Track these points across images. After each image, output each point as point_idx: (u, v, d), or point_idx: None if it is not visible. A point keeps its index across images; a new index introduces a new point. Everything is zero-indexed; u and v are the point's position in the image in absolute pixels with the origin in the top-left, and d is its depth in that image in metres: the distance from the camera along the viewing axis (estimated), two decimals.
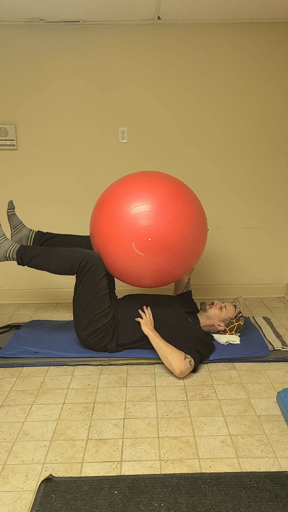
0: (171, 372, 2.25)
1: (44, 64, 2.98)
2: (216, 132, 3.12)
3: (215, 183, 3.21)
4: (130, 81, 3.01)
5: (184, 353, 2.20)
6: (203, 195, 3.22)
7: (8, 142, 3.09)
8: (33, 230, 2.65)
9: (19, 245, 2.41)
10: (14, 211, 2.63)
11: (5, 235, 2.43)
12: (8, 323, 2.92)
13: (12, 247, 2.39)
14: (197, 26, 2.93)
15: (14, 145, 3.09)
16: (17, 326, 2.82)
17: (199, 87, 3.03)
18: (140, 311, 2.40)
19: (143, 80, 3.01)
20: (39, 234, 2.64)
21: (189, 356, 2.20)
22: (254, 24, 2.93)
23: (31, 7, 2.61)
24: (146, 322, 2.35)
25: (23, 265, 2.39)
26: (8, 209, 2.61)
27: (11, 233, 2.62)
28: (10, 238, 2.57)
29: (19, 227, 2.62)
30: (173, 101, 3.05)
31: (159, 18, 2.81)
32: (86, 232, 3.17)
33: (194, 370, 2.25)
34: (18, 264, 2.39)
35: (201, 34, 2.94)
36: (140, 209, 2.21)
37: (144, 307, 2.42)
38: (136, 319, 2.38)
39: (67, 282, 3.32)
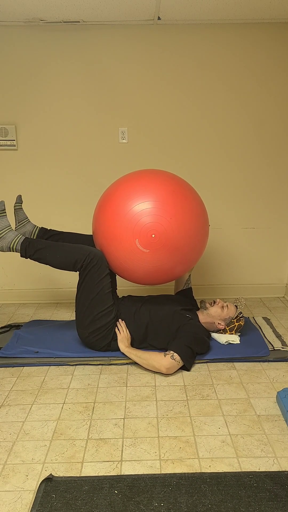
0: None
1: (44, 64, 2.98)
2: (216, 132, 3.12)
3: (215, 183, 3.21)
4: (130, 81, 3.02)
5: (163, 353, 2.23)
6: (204, 195, 3.23)
7: (8, 142, 3.09)
8: (37, 226, 2.67)
9: (23, 237, 2.42)
10: (21, 205, 2.65)
11: (10, 225, 2.44)
12: (8, 323, 2.93)
13: (16, 238, 2.40)
14: (197, 26, 2.93)
15: (14, 145, 3.09)
16: (17, 326, 2.82)
17: (199, 87, 3.04)
18: (116, 329, 2.40)
19: (143, 80, 3.02)
20: (43, 230, 2.65)
21: (171, 352, 2.22)
22: (254, 24, 2.93)
23: (31, 7, 2.61)
24: (123, 339, 2.37)
25: (26, 257, 2.40)
26: (16, 203, 2.63)
27: (15, 227, 2.63)
28: None
29: (23, 222, 2.64)
30: (173, 101, 3.05)
31: (159, 18, 2.81)
32: (86, 231, 3.19)
33: (188, 367, 2.25)
34: (21, 256, 2.39)
35: (201, 34, 2.94)
36: (143, 207, 2.24)
37: (118, 322, 2.41)
38: (116, 330, 2.40)
39: (68, 282, 3.33)
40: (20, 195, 2.65)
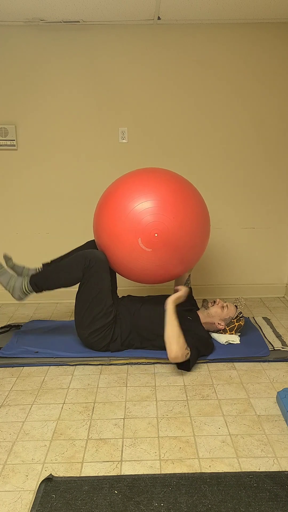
0: (171, 372, 2.26)
1: (44, 64, 2.98)
2: (216, 132, 3.12)
3: (215, 183, 3.21)
4: (130, 81, 3.01)
5: (186, 344, 2.21)
6: (204, 195, 3.23)
7: (8, 142, 3.09)
8: (38, 268, 2.59)
9: (28, 277, 2.42)
10: (12, 261, 2.57)
11: (12, 275, 2.43)
12: (8, 323, 2.93)
13: (24, 281, 2.41)
14: (197, 26, 2.93)
15: (14, 145, 3.09)
16: (17, 326, 2.82)
17: (199, 86, 3.04)
18: (179, 287, 2.38)
19: (143, 80, 3.02)
20: (45, 265, 2.61)
21: (189, 350, 2.21)
22: (254, 24, 2.93)
23: (31, 7, 2.61)
24: (179, 297, 2.33)
25: (41, 292, 2.41)
26: (6, 263, 2.55)
27: None
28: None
29: (24, 273, 2.58)
30: (173, 101, 3.05)
31: (159, 18, 2.81)
32: (86, 231, 3.19)
33: (189, 368, 2.25)
34: (37, 292, 2.41)
35: (201, 34, 2.94)
36: (145, 205, 2.24)
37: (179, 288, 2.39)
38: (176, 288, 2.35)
39: None
40: (6, 254, 2.54)
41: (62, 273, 2.36)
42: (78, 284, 2.38)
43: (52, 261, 2.63)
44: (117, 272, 2.48)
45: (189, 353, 2.20)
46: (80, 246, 2.65)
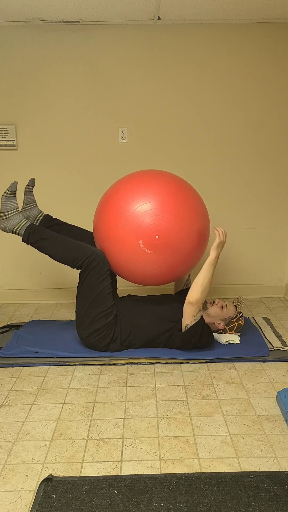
0: (171, 372, 2.26)
1: (44, 64, 2.98)
2: (216, 132, 3.12)
3: (215, 183, 3.21)
4: (130, 81, 3.02)
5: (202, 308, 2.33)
6: (203, 195, 3.23)
7: (8, 142, 3.09)
8: (43, 213, 2.66)
9: (29, 223, 2.43)
10: (32, 189, 2.63)
11: (17, 208, 2.44)
12: (8, 323, 2.93)
13: (22, 223, 2.41)
14: (197, 26, 2.93)
15: (14, 145, 3.09)
16: (17, 326, 2.82)
17: (199, 87, 3.04)
18: (215, 229, 2.33)
19: (143, 80, 3.02)
20: (48, 217, 2.65)
21: (201, 314, 2.31)
22: (254, 24, 2.93)
23: (31, 7, 2.61)
24: (220, 244, 2.29)
25: (27, 243, 2.41)
26: (27, 185, 2.61)
27: (22, 209, 2.62)
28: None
29: (30, 205, 2.63)
30: (173, 101, 3.05)
31: (159, 18, 2.81)
32: None
33: (189, 343, 2.34)
34: (23, 241, 2.41)
35: (201, 34, 2.94)
36: (146, 208, 2.24)
37: (216, 229, 2.33)
38: (216, 229, 2.31)
39: (68, 282, 3.33)
40: (33, 178, 2.63)
41: (60, 247, 2.36)
42: (77, 284, 2.38)
43: (55, 219, 2.65)
44: (117, 274, 2.48)
45: (201, 310, 2.30)
46: (88, 231, 2.67)
